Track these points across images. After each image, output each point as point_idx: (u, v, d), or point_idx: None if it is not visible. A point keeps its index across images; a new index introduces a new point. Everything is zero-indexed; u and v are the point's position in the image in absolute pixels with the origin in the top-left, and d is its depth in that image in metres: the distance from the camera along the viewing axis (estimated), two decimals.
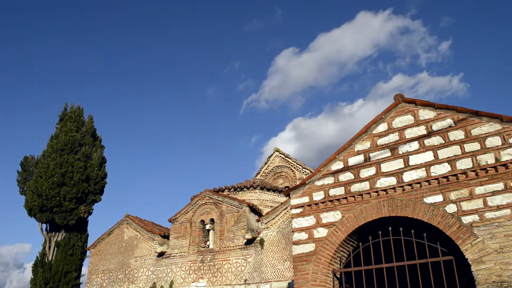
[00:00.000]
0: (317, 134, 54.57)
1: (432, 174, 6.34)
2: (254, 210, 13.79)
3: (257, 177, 19.40)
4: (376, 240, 6.65)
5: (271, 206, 15.40)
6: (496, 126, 6.09)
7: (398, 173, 6.66)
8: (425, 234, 6.23)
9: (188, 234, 14.38)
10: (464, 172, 6.09)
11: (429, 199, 6.26)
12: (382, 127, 7.17)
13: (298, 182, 15.36)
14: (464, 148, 6.23)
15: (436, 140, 6.53)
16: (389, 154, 6.89)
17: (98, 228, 57.62)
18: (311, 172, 16.71)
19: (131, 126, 59.73)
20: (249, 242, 13.01)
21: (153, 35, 59.37)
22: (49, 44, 55.86)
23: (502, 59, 51.17)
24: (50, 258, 17.93)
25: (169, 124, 61.34)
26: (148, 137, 60.57)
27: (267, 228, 12.95)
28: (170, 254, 14.49)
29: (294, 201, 7.58)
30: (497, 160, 5.90)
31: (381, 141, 7.08)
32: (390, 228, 6.53)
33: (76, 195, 18.20)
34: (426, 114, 6.80)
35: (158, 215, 62.20)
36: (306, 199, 7.44)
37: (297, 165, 18.78)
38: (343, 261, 7.07)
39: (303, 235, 7.23)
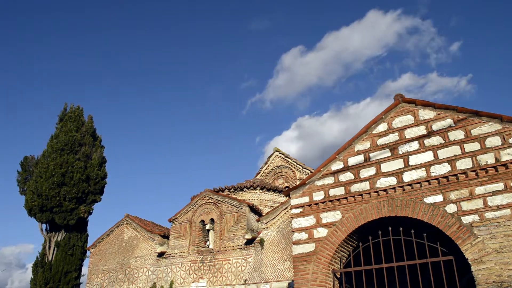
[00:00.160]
0: (321, 133, 54.42)
1: (432, 174, 6.34)
2: (254, 210, 13.79)
3: (257, 177, 19.41)
4: (376, 240, 6.65)
5: (271, 206, 15.41)
6: (496, 126, 6.09)
7: (398, 173, 6.66)
8: (425, 234, 6.23)
9: (188, 234, 14.39)
10: (464, 172, 6.09)
11: (429, 199, 6.26)
12: (382, 127, 7.17)
13: (298, 182, 15.38)
14: (464, 148, 6.23)
15: (436, 140, 6.53)
16: (389, 154, 6.89)
17: (98, 228, 57.64)
18: (311, 172, 16.71)
19: (131, 126, 59.76)
20: (249, 242, 13.01)
21: (153, 35, 59.40)
22: (49, 44, 55.92)
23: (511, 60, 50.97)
24: (50, 258, 17.94)
25: (169, 124, 61.37)
26: (148, 137, 60.60)
27: (267, 228, 12.95)
28: (170, 254, 14.50)
29: (294, 201, 7.58)
30: (497, 160, 5.90)
31: (381, 141, 7.08)
32: (390, 228, 6.53)
33: (76, 195, 18.21)
34: (426, 114, 6.80)
35: (158, 215, 62.22)
36: (306, 199, 7.44)
37: (297, 165, 18.78)
38: (343, 261, 7.07)
39: (303, 235, 7.23)
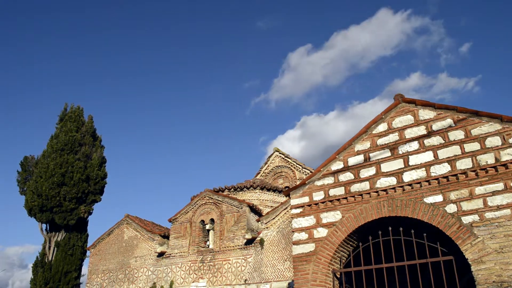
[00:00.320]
0: (325, 133, 54.17)
1: (432, 174, 6.34)
2: (254, 210, 13.79)
3: (257, 177, 19.41)
4: (376, 240, 6.65)
5: (271, 206, 15.41)
6: (496, 126, 6.09)
7: (398, 173, 6.66)
8: (425, 234, 6.23)
9: (188, 234, 14.39)
10: (464, 172, 6.09)
11: (429, 199, 6.26)
12: (382, 127, 7.17)
13: (298, 182, 15.38)
14: (464, 148, 6.23)
15: (436, 140, 6.53)
16: (389, 154, 6.89)
17: (98, 228, 57.65)
18: (311, 172, 16.71)
19: (131, 126, 59.76)
20: (249, 242, 13.01)
21: (153, 35, 59.39)
22: (49, 44, 55.92)
23: None
24: (50, 258, 17.93)
25: (169, 124, 61.36)
26: (148, 137, 60.60)
27: (267, 228, 12.95)
28: (170, 254, 14.50)
29: (294, 201, 7.58)
30: (497, 160, 5.90)
31: (381, 141, 7.08)
32: (390, 228, 6.53)
33: (76, 195, 18.21)
34: (426, 114, 6.80)
35: (158, 215, 62.23)
36: (306, 199, 7.44)
37: (297, 165, 18.79)
38: (343, 261, 7.07)
39: (303, 235, 7.23)
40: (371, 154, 7.07)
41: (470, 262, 5.69)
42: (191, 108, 61.20)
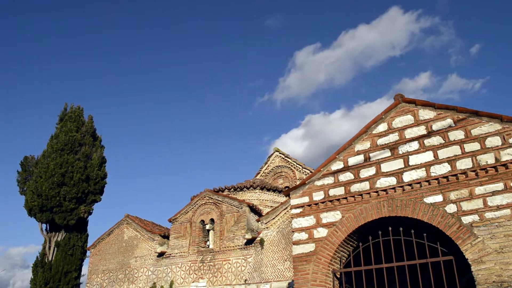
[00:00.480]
0: (329, 132, 53.86)
1: (432, 174, 6.33)
2: (254, 210, 13.79)
3: (257, 177, 19.41)
4: (376, 240, 6.65)
5: (271, 206, 15.41)
6: (496, 126, 6.09)
7: (398, 173, 6.66)
8: (425, 234, 6.22)
9: (188, 234, 14.39)
10: (464, 172, 6.09)
11: (429, 199, 6.26)
12: (382, 127, 7.17)
13: (298, 182, 15.36)
14: (464, 148, 6.23)
15: (436, 140, 6.53)
16: (389, 154, 6.89)
17: (98, 228, 57.68)
18: (311, 172, 16.71)
19: (131, 126, 59.77)
20: (249, 242, 13.01)
21: (153, 35, 59.39)
22: (49, 44, 55.94)
23: None
24: (50, 258, 17.94)
25: (169, 124, 61.37)
26: (148, 137, 60.61)
27: (267, 228, 12.95)
28: (170, 254, 14.50)
29: (294, 201, 7.58)
30: (497, 160, 5.90)
31: (381, 141, 7.08)
32: (390, 228, 6.52)
33: (76, 195, 18.21)
34: (426, 114, 6.80)
35: (158, 215, 62.23)
36: (306, 199, 7.44)
37: (297, 165, 18.79)
38: (343, 261, 7.07)
39: (303, 235, 7.23)
40: (371, 154, 7.07)
41: (470, 262, 5.69)
42: (191, 108, 61.25)
